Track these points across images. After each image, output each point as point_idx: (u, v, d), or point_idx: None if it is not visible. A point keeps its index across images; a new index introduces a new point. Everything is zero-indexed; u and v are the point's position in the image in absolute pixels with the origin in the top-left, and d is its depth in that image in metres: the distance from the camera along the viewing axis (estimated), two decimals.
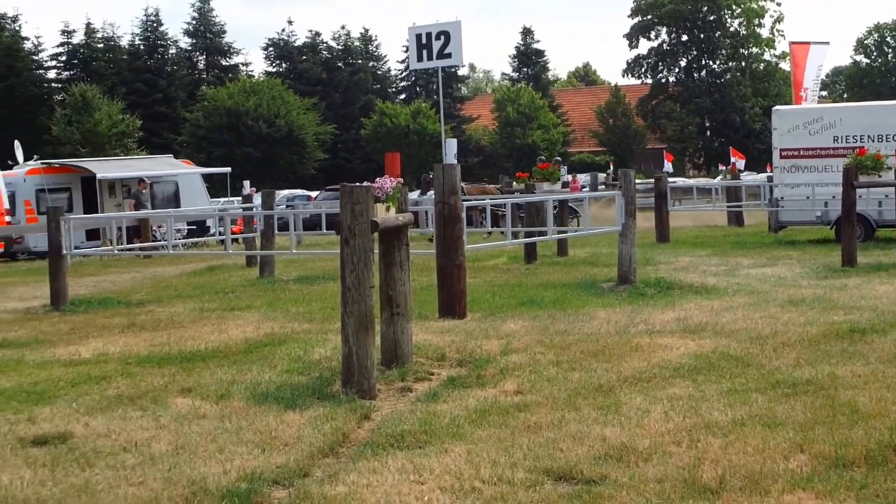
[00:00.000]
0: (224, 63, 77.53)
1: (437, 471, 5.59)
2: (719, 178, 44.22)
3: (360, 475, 5.58)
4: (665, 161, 52.49)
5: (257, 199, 25.41)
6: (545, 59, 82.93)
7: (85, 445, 6.49)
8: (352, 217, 7.52)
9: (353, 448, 6.29)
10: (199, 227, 29.17)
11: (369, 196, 7.70)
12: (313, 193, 45.04)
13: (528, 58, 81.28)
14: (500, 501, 5.09)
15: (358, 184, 7.91)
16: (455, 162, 11.47)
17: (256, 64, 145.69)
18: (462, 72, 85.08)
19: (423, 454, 5.95)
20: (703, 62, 78.84)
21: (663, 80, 79.78)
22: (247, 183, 27.78)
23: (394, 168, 8.17)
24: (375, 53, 79.12)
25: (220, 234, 19.98)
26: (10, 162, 32.08)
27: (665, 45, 78.91)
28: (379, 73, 78.87)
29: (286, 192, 45.23)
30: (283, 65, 76.36)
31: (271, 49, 76.73)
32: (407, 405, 7.35)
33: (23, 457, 6.30)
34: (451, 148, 11.14)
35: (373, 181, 8.44)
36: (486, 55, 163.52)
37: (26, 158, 32.42)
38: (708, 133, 77.26)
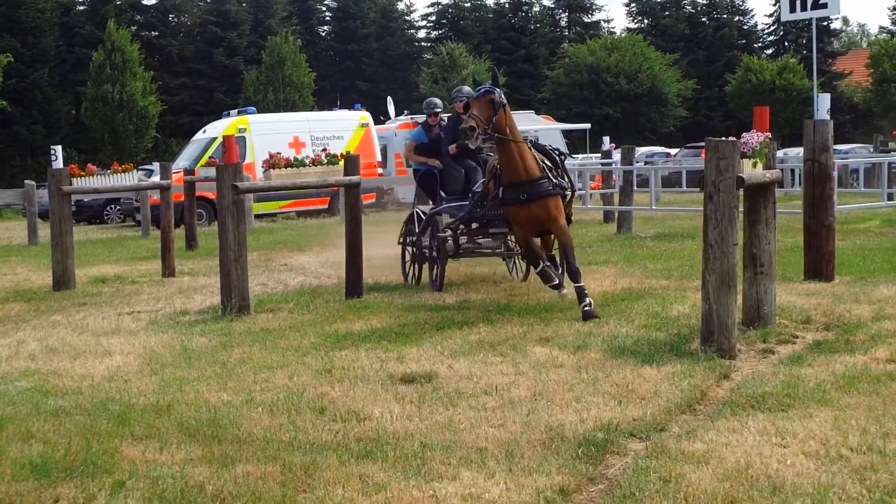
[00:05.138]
0: (585, 20, 77.87)
1: (801, 435, 5.37)
2: None
3: (718, 433, 5.46)
4: None
5: (616, 156, 25.36)
6: None
7: (448, 386, 6.77)
8: (716, 172, 7.35)
9: (712, 406, 6.16)
10: None
11: (735, 151, 7.47)
12: (673, 151, 44.43)
13: None
14: (870, 471, 4.80)
15: (724, 138, 7.68)
16: (827, 118, 10.83)
17: (618, 21, 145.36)
18: (835, 25, 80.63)
19: (785, 417, 5.73)
20: None
21: None
22: (606, 139, 27.78)
23: (762, 123, 7.74)
24: (741, 7, 76.54)
25: (579, 189, 20.09)
26: (381, 117, 33.75)
27: None
28: (745, 27, 76.31)
29: (645, 149, 44.85)
30: (645, 21, 75.64)
31: (633, 5, 76.17)
32: (768, 367, 7.11)
33: (392, 392, 6.67)
34: (823, 103, 10.50)
35: (737, 138, 8.11)
36: (861, 8, 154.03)
37: (397, 114, 34.01)
38: None
